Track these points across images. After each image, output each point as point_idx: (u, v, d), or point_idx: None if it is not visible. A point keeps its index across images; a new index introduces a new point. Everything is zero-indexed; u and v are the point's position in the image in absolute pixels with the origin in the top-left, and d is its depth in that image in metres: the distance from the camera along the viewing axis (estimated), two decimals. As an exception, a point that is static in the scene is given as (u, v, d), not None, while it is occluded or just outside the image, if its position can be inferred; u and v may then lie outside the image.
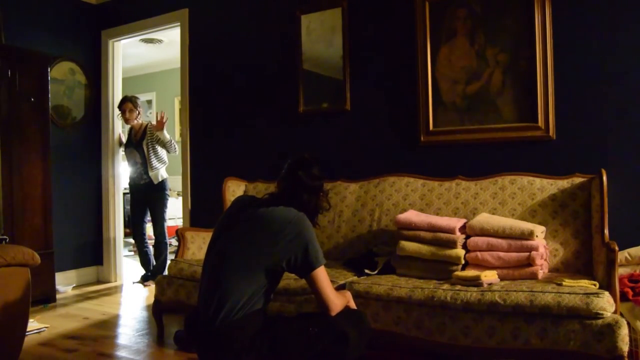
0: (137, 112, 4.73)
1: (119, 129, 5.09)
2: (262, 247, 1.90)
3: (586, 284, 2.22)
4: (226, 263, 1.92)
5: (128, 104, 4.69)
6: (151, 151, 4.63)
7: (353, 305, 2.17)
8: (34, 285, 2.61)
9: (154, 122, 4.70)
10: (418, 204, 3.11)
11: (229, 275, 1.89)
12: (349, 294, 2.19)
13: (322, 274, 1.95)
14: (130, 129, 4.84)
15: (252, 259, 1.90)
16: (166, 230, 4.78)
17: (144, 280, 4.80)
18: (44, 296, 4.05)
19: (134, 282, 4.89)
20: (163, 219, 4.76)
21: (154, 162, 4.64)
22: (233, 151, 4.19)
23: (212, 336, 1.88)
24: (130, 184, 4.83)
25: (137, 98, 4.78)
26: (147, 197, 4.74)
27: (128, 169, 4.85)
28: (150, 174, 4.63)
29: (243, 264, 1.90)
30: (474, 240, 2.62)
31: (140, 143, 4.68)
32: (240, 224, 1.98)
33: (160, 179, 4.68)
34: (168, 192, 4.81)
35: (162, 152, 4.70)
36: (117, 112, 4.93)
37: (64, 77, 4.75)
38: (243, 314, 1.85)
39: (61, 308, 4.01)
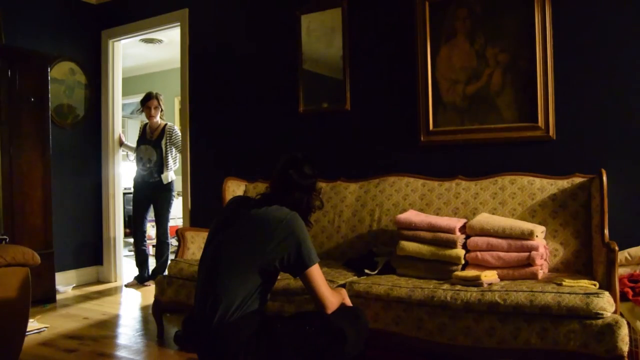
0: (161, 109, 4.83)
1: (119, 129, 5.09)
2: (255, 247, 1.91)
3: (586, 284, 2.22)
4: (220, 264, 1.92)
5: (154, 100, 4.77)
6: (169, 152, 4.72)
7: (349, 302, 2.17)
8: (34, 285, 2.61)
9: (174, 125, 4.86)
10: (418, 204, 3.11)
11: (223, 276, 1.90)
12: (344, 292, 2.20)
13: (316, 272, 1.95)
14: (145, 126, 4.88)
15: (245, 260, 1.90)
16: (169, 231, 4.79)
17: (138, 280, 4.79)
18: (44, 296, 4.05)
19: (126, 286, 4.80)
20: (167, 220, 4.79)
21: (171, 163, 4.73)
22: (233, 151, 4.19)
23: (210, 337, 1.88)
24: (136, 181, 4.84)
25: (160, 95, 4.87)
26: (153, 196, 4.76)
27: (135, 165, 4.87)
28: (163, 174, 4.69)
29: (237, 265, 1.90)
30: (474, 240, 2.62)
31: (158, 142, 4.73)
32: (234, 225, 1.98)
33: (170, 179, 4.74)
34: (174, 194, 4.84)
35: (177, 155, 4.77)
36: (117, 111, 4.94)
37: (64, 77, 4.75)
38: (239, 315, 1.85)
39: (61, 308, 4.01)
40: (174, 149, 4.75)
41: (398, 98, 3.46)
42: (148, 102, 4.76)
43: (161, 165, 4.69)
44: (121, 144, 5.08)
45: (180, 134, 4.69)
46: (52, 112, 4.42)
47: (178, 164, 4.79)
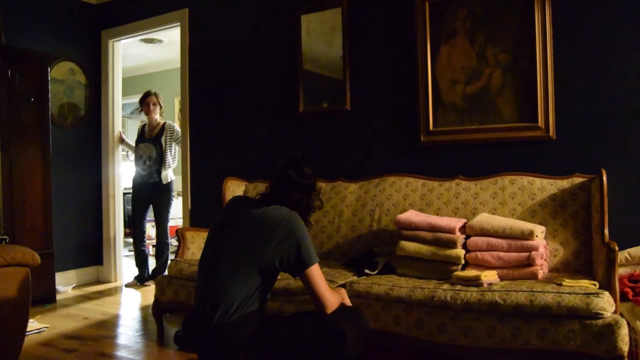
0: (159, 106, 4.84)
1: (119, 128, 5.09)
2: (255, 247, 1.91)
3: (586, 284, 2.22)
4: (220, 264, 1.92)
5: (153, 97, 4.80)
6: (168, 149, 4.71)
7: (348, 302, 2.17)
8: (34, 285, 2.60)
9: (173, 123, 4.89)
10: (418, 204, 3.11)
11: (223, 276, 1.90)
12: (343, 291, 2.20)
13: (316, 272, 1.95)
14: (144, 126, 4.89)
15: (245, 260, 1.90)
16: (169, 231, 4.79)
17: (138, 280, 4.79)
18: (44, 296, 4.04)
19: (126, 286, 4.80)
20: (166, 220, 4.79)
21: (169, 160, 4.73)
22: (233, 151, 4.19)
23: (210, 337, 1.88)
24: (136, 181, 4.83)
25: (159, 94, 4.89)
26: (152, 196, 4.76)
27: (135, 165, 4.87)
28: (163, 173, 4.69)
29: (236, 265, 1.90)
30: (474, 240, 2.62)
31: (158, 139, 4.73)
32: (233, 225, 1.99)
33: (169, 179, 4.74)
34: (174, 194, 4.84)
35: (176, 152, 4.77)
36: (118, 111, 4.96)
37: (64, 77, 4.75)
38: (239, 315, 1.86)
39: (61, 308, 4.01)
40: (173, 145, 4.73)
41: (398, 98, 3.46)
42: (147, 99, 4.79)
43: (161, 163, 4.69)
44: (122, 140, 5.08)
45: (180, 130, 4.68)
46: (52, 112, 4.41)
47: (177, 162, 4.79)
